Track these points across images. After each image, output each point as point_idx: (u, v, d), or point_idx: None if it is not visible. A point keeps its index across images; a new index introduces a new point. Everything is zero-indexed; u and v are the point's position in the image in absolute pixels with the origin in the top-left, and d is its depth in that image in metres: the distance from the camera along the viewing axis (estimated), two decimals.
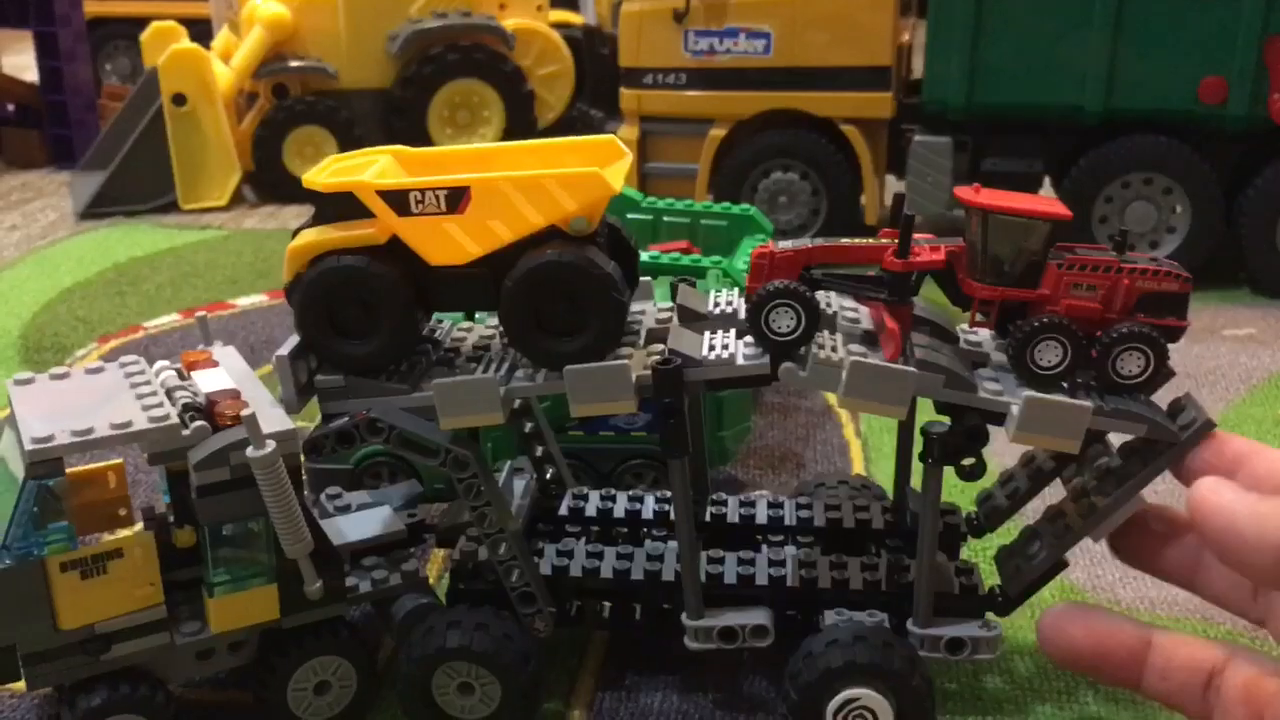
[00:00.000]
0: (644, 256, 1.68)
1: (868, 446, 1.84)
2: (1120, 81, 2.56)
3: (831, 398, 2.00)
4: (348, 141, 3.49)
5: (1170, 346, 1.10)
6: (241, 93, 3.59)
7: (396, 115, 3.65)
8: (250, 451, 1.03)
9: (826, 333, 1.15)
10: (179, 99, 3.39)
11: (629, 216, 2.01)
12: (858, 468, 1.77)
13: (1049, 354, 1.08)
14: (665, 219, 2.01)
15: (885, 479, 1.45)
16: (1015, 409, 1.07)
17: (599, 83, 4.10)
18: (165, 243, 3.07)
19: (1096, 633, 1.04)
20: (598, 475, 1.58)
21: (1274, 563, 0.88)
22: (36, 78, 4.09)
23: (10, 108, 4.26)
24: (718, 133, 2.84)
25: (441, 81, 3.66)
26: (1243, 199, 2.62)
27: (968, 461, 1.12)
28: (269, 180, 3.57)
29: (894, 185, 2.95)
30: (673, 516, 1.31)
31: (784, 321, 1.10)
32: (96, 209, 3.36)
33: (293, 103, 3.56)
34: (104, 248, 3.02)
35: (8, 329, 2.42)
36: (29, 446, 1.00)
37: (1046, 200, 1.12)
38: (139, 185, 3.40)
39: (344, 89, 3.63)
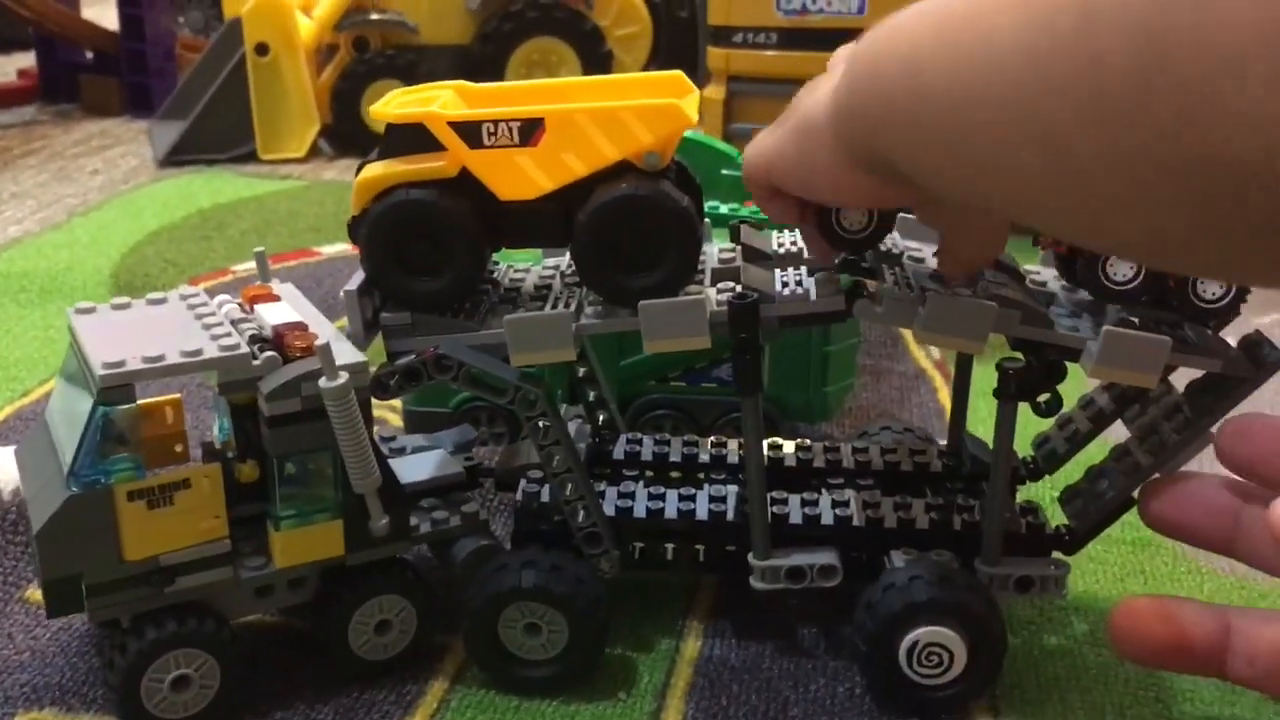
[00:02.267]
0: (743, 211, 1.64)
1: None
2: None
3: (924, 360, 1.98)
4: None
5: None
6: (321, 45, 3.60)
7: (475, 71, 3.62)
8: (323, 382, 1.02)
9: (898, 270, 1.13)
10: (262, 49, 3.40)
11: (724, 173, 1.96)
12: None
13: (1122, 268, 1.06)
14: None
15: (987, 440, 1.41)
16: (1093, 344, 1.05)
17: (676, 45, 4.04)
18: (247, 191, 3.10)
19: (1171, 628, 0.97)
20: (698, 427, 1.57)
21: None
22: (116, 25, 4.13)
23: (89, 55, 4.31)
24: None
25: (520, 39, 3.65)
26: None
27: (1043, 397, 1.10)
28: (346, 133, 3.57)
29: None
30: (731, 460, 1.32)
31: (855, 218, 1.07)
32: (177, 156, 3.39)
33: (372, 56, 3.56)
34: (187, 194, 3.06)
35: (99, 268, 2.47)
36: (100, 371, 0.99)
37: None
38: (219, 134, 3.43)
39: (423, 44, 3.62)
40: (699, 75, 3.02)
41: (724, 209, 1.70)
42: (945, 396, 1.85)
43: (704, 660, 1.22)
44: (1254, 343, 1.11)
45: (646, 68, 4.02)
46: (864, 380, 1.90)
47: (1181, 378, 1.17)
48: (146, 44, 4.02)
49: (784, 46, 2.78)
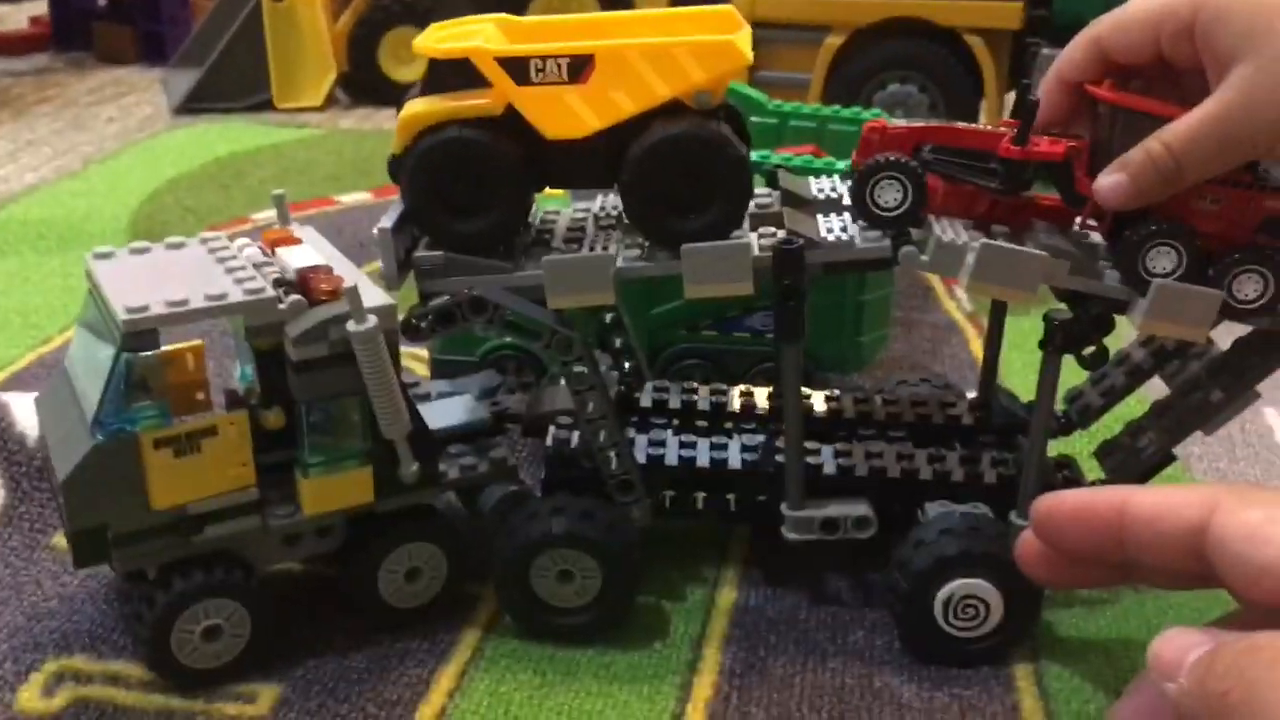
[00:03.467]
0: (774, 159, 1.61)
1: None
2: None
3: (955, 312, 1.94)
4: None
5: None
6: None
7: None
8: (351, 326, 0.99)
9: (943, 220, 1.10)
10: None
11: (753, 120, 1.92)
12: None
13: (1162, 260, 1.03)
14: (791, 123, 1.92)
15: (1018, 393, 1.37)
16: (1144, 296, 1.02)
17: None
18: (264, 139, 3.07)
19: (1077, 507, 0.85)
20: (729, 377, 1.54)
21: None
22: None
23: (102, 2, 4.25)
24: (834, 40, 2.72)
25: None
26: None
27: (1089, 350, 1.08)
28: (363, 81, 3.52)
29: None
30: (759, 409, 1.29)
31: (890, 195, 1.04)
32: (192, 105, 3.36)
33: (390, 2, 3.50)
34: (203, 142, 3.03)
35: (116, 216, 2.45)
36: (123, 317, 0.96)
37: (1182, 105, 1.04)
38: (234, 82, 3.39)
39: None
40: None
41: (796, 161, 1.66)
42: (977, 348, 1.82)
43: (739, 610, 1.20)
44: None
45: None
46: (895, 331, 1.87)
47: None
48: None
49: None
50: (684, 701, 1.08)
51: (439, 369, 1.56)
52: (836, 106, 2.03)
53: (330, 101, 3.47)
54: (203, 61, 3.43)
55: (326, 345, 1.00)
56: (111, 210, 2.47)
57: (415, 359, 1.74)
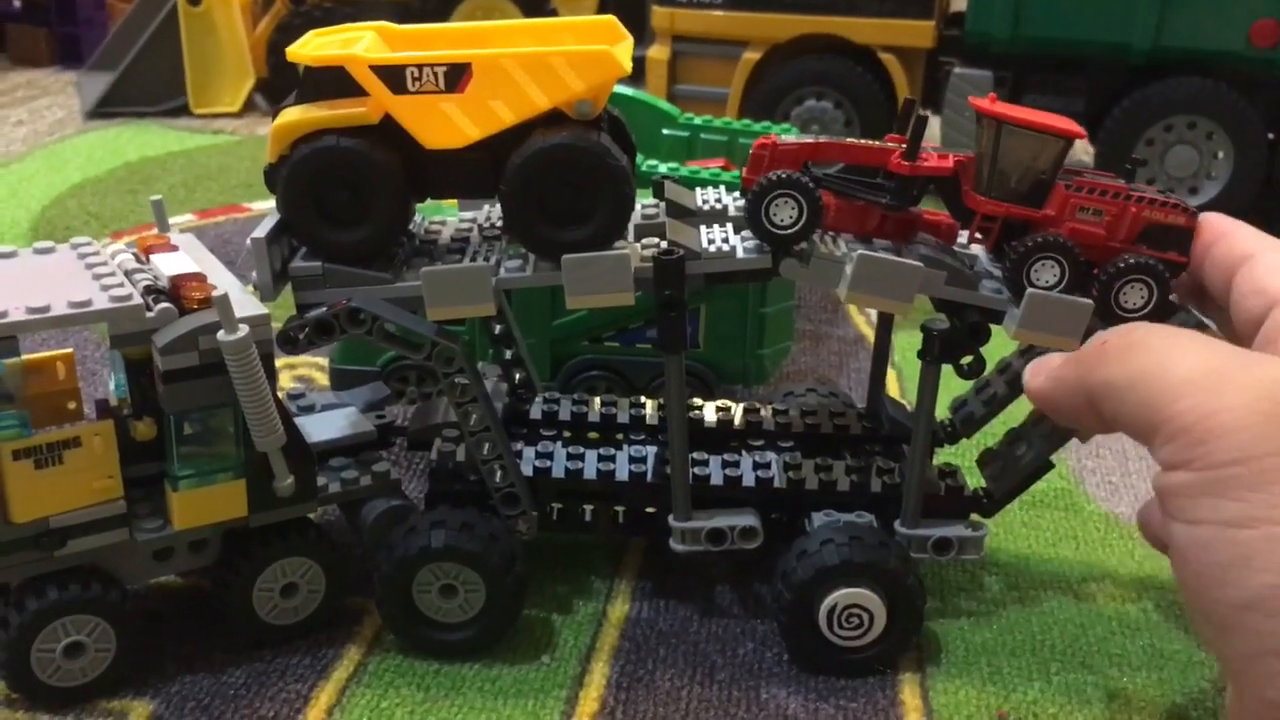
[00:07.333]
0: (683, 171, 1.61)
1: (902, 376, 1.78)
2: (1170, 20, 2.45)
3: (864, 325, 1.96)
4: None
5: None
6: None
7: None
8: (222, 335, 0.97)
9: (828, 235, 1.11)
10: None
11: (665, 132, 1.92)
12: (893, 395, 1.71)
13: (1046, 273, 1.04)
14: (702, 136, 1.93)
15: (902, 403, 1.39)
16: (1018, 305, 1.04)
17: (621, 4, 3.97)
18: (176, 145, 3.02)
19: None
20: (632, 388, 1.53)
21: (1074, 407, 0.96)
22: None
23: (17, 4, 4.17)
24: (752, 56, 2.74)
25: None
26: None
27: (966, 359, 1.09)
28: (283, 88, 3.46)
29: (930, 120, 2.84)
30: (649, 420, 1.29)
31: (785, 213, 1.04)
32: (105, 108, 3.30)
33: (310, 8, 3.46)
34: (114, 146, 2.98)
35: (17, 220, 2.39)
36: None
37: (1061, 118, 1.07)
38: (149, 86, 3.34)
39: None
40: (645, 36, 2.97)
41: (663, 168, 1.66)
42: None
43: (631, 623, 1.20)
44: (1176, 311, 1.09)
45: None
46: (803, 345, 1.88)
47: None
48: None
49: (731, 6, 2.73)
50: (569, 716, 1.07)
51: (338, 379, 1.54)
52: (748, 120, 2.04)
53: (249, 107, 3.42)
54: (118, 65, 3.37)
55: (197, 354, 0.98)
56: (12, 215, 2.41)
57: (317, 368, 1.71)
